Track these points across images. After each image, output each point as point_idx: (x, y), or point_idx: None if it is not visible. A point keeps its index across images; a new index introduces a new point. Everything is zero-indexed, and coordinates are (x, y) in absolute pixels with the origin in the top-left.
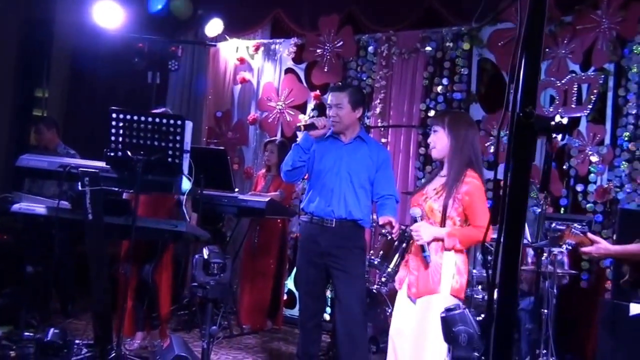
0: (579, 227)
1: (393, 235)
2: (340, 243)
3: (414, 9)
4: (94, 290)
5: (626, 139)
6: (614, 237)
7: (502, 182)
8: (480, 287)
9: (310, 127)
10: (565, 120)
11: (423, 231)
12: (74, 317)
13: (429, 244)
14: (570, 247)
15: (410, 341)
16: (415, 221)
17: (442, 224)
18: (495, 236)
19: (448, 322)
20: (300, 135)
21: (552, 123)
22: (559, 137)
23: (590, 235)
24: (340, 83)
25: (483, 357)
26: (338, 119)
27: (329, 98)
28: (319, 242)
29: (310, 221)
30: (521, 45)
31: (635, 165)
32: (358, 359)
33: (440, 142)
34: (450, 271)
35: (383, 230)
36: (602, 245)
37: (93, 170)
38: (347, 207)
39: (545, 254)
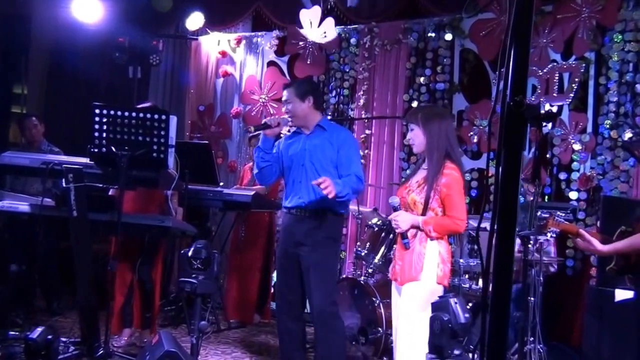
0: (563, 215)
1: (324, 192)
2: (312, 232)
3: (395, 0)
4: (79, 287)
5: (607, 126)
6: (598, 224)
7: (486, 171)
8: (467, 276)
9: (263, 127)
10: (555, 109)
11: (401, 219)
12: (60, 315)
13: (407, 231)
14: (554, 235)
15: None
16: (395, 209)
17: (424, 215)
18: (484, 225)
19: (432, 308)
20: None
21: (542, 112)
22: (550, 125)
23: (584, 233)
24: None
25: (471, 346)
26: (291, 114)
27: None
28: (294, 232)
29: (288, 213)
30: (510, 34)
31: (617, 153)
32: (334, 347)
33: (417, 138)
34: (435, 260)
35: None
36: (592, 247)
37: (77, 166)
38: (316, 196)
39: (531, 242)
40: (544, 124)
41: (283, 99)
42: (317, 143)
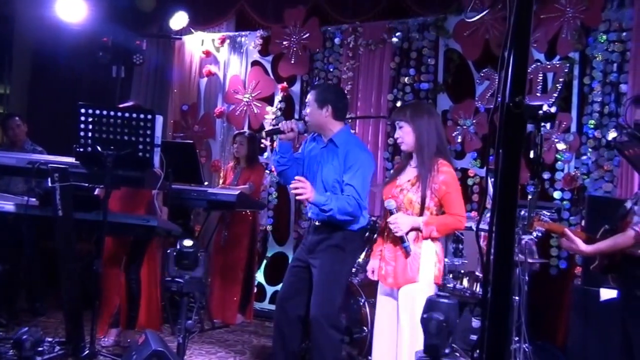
0: (548, 214)
1: (294, 192)
2: (320, 240)
3: (379, 0)
4: (64, 287)
5: (592, 126)
6: (582, 224)
7: (469, 171)
8: (451, 275)
9: (274, 132)
10: (553, 109)
11: (401, 222)
12: (43, 316)
13: (407, 234)
14: (540, 234)
15: (394, 332)
16: (391, 213)
17: (421, 214)
18: (468, 225)
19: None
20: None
21: (540, 112)
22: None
23: (568, 233)
24: (325, 81)
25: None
26: (308, 118)
27: None
28: (307, 239)
29: (309, 221)
30: (510, 36)
31: (602, 152)
32: (325, 356)
33: (407, 136)
34: (432, 260)
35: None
36: (576, 247)
37: (63, 166)
38: (319, 211)
39: (516, 242)
40: (543, 124)
41: (307, 100)
42: (329, 161)
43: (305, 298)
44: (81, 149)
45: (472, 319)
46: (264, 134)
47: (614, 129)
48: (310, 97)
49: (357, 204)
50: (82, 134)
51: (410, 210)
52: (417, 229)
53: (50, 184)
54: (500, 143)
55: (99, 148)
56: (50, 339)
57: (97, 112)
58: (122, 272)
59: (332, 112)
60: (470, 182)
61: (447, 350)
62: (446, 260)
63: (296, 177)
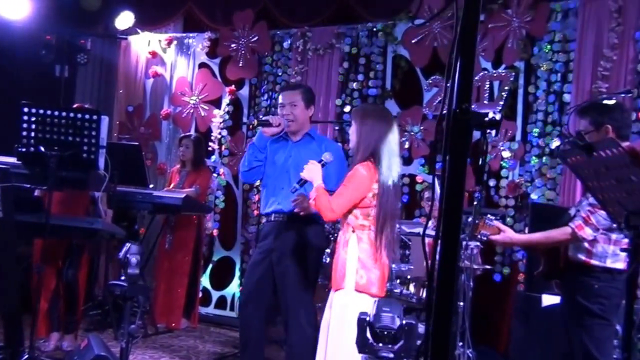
0: (493, 218)
1: (294, 207)
2: (289, 240)
3: (328, 5)
4: (3, 291)
5: (536, 134)
6: (526, 231)
7: (416, 177)
8: (398, 281)
9: (264, 124)
10: (498, 117)
11: (312, 169)
12: None
13: (304, 181)
14: (485, 238)
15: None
16: (319, 162)
17: (347, 215)
18: (416, 231)
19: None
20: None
21: (486, 119)
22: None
23: (497, 223)
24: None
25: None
26: (293, 118)
27: (280, 98)
28: (270, 239)
29: (267, 221)
30: (456, 43)
31: (545, 161)
32: None
33: (352, 135)
34: (354, 266)
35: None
36: (507, 235)
37: (4, 166)
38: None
39: (462, 248)
40: (488, 131)
41: (287, 100)
42: (304, 152)
43: (267, 309)
44: (23, 149)
45: (418, 325)
46: (255, 122)
47: (557, 138)
48: (291, 97)
49: None
50: (24, 133)
51: None
52: (315, 189)
53: None
54: (447, 149)
55: (42, 148)
56: None
57: (41, 111)
58: (54, 276)
59: (312, 113)
60: (418, 188)
61: (390, 356)
62: (393, 266)
63: (298, 197)
